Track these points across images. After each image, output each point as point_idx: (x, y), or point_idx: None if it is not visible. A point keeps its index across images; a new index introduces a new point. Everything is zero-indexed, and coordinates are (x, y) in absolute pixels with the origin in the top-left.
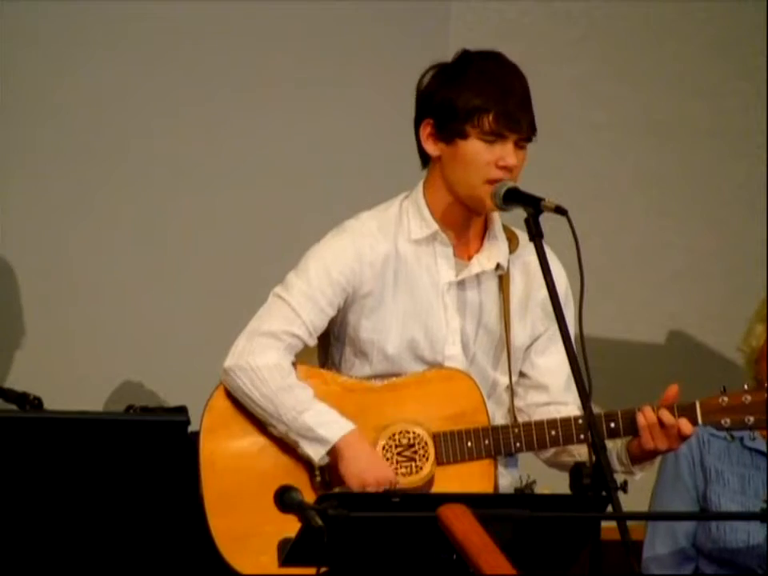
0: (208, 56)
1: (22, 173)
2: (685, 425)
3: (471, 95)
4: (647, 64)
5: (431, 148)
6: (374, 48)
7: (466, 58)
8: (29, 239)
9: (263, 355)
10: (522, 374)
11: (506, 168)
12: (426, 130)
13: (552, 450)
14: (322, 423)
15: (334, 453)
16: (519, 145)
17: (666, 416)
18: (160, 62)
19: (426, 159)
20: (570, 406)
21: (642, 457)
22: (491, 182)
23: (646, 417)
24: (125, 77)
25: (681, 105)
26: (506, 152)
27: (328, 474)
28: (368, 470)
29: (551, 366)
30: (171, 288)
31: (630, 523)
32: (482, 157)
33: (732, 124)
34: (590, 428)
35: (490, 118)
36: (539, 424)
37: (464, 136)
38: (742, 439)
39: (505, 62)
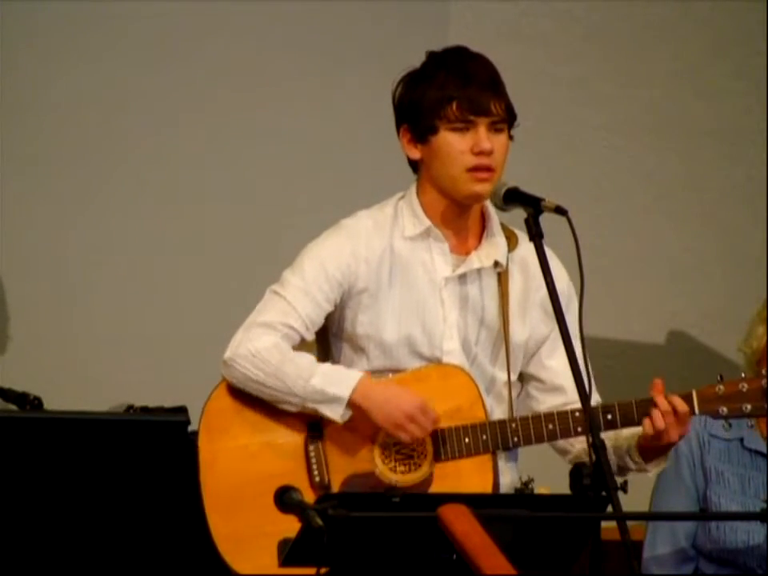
0: (208, 55)
1: (21, 173)
2: (682, 405)
3: (434, 90)
4: (647, 64)
5: (412, 152)
6: (374, 48)
7: (430, 58)
8: (29, 239)
9: (260, 340)
10: (535, 379)
11: (482, 153)
12: (405, 137)
13: (575, 452)
14: (331, 382)
15: (354, 408)
16: (494, 129)
17: (679, 402)
18: (159, 63)
19: (414, 165)
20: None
21: (656, 453)
22: (471, 170)
23: (661, 408)
24: (124, 77)
25: (681, 105)
26: (478, 137)
27: (327, 473)
28: (392, 409)
29: (563, 367)
30: (171, 288)
31: (630, 523)
32: (455, 147)
33: (732, 124)
34: (590, 428)
35: (454, 106)
36: (536, 418)
37: (435, 131)
38: (741, 440)
39: (467, 52)
